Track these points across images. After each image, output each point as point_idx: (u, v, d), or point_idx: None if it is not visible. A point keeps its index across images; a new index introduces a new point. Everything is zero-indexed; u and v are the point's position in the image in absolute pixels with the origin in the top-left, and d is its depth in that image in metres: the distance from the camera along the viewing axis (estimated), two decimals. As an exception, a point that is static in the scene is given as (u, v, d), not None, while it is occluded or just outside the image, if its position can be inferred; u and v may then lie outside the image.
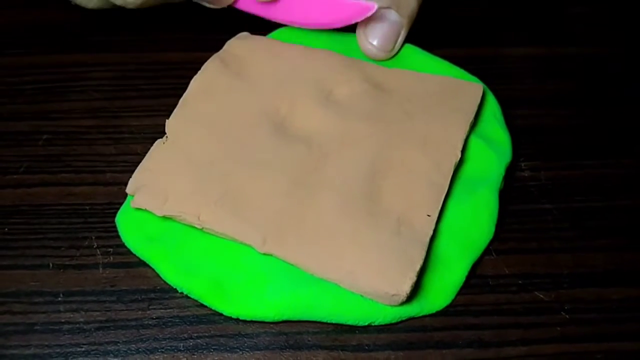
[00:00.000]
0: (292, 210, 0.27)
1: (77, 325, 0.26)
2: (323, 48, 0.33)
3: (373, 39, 0.33)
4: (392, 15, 0.32)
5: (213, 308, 0.26)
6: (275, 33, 0.35)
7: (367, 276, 0.25)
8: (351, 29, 0.33)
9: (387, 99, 0.31)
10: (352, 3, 0.31)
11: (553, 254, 0.28)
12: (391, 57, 0.33)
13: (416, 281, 0.26)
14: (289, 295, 0.26)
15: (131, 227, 0.28)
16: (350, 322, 0.26)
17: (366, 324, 0.26)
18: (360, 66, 0.32)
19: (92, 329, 0.26)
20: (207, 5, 0.33)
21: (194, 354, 0.25)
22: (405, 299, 0.25)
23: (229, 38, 0.34)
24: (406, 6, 0.32)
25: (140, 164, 0.29)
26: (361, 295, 0.26)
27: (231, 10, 0.34)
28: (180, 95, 0.31)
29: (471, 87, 0.31)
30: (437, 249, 0.27)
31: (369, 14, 0.31)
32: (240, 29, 0.34)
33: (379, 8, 0.31)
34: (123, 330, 0.26)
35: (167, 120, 0.30)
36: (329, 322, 0.26)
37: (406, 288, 0.25)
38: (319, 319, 0.26)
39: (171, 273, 0.27)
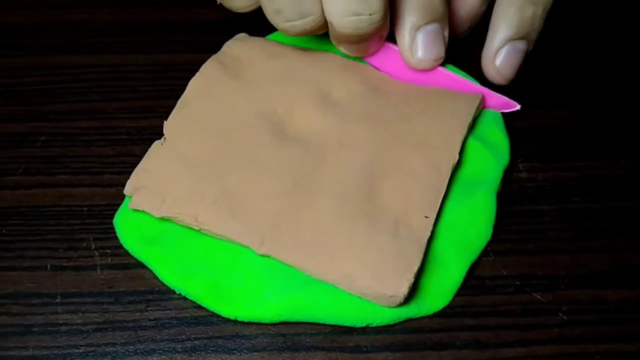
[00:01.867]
0: (290, 212, 0.27)
1: (75, 327, 0.26)
2: (322, 50, 0.33)
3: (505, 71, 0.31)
4: (521, 45, 0.31)
5: (211, 309, 0.26)
6: (273, 35, 0.35)
7: (365, 277, 0.25)
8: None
9: (385, 101, 0.31)
10: (495, 95, 0.32)
11: (550, 255, 0.28)
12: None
13: (414, 282, 0.26)
14: (287, 296, 0.26)
15: (129, 229, 0.28)
16: (348, 324, 0.26)
17: (364, 325, 0.26)
18: (359, 68, 0.32)
19: (90, 331, 0.26)
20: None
21: (191, 356, 0.25)
22: (402, 300, 0.25)
23: (227, 39, 0.34)
24: (532, 27, 0.31)
25: (138, 165, 0.29)
26: (359, 297, 0.26)
27: (229, 12, 0.34)
28: (179, 97, 0.31)
29: (470, 94, 0.31)
30: (434, 250, 0.27)
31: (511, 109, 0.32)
32: (239, 30, 0.34)
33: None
34: (121, 331, 0.26)
35: (165, 122, 0.30)
36: (326, 323, 0.26)
37: (404, 289, 0.25)
38: (316, 321, 0.26)
39: (169, 274, 0.27)
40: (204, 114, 0.30)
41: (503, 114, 0.32)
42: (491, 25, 0.31)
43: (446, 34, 0.31)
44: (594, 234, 0.29)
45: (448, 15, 0.31)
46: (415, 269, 0.26)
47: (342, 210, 0.27)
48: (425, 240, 0.27)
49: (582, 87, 0.35)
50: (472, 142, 0.31)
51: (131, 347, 0.25)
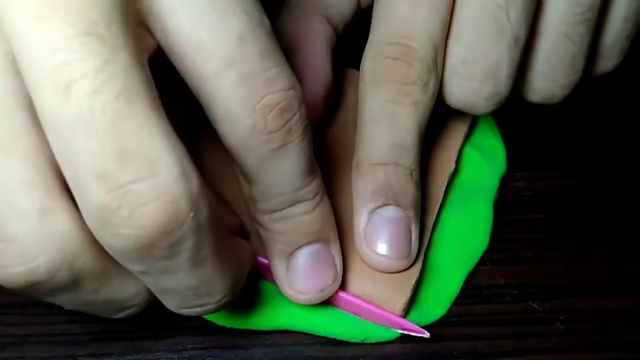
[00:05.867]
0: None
1: (72, 337, 0.26)
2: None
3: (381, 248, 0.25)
4: (394, 212, 0.25)
5: (206, 318, 0.26)
6: None
7: (361, 293, 0.25)
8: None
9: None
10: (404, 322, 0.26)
11: (548, 264, 0.28)
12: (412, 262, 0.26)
13: (412, 294, 0.26)
14: (283, 306, 0.26)
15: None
16: (344, 338, 0.26)
17: (361, 340, 0.26)
18: (354, 76, 0.32)
19: (87, 340, 0.26)
20: None
21: (188, 366, 0.25)
22: (399, 315, 0.25)
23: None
24: (404, 195, 0.25)
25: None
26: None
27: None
28: (176, 102, 0.31)
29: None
30: (432, 259, 0.27)
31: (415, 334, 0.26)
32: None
33: (375, 207, 0.25)
34: (117, 341, 0.26)
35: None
36: (322, 336, 0.26)
37: (400, 306, 0.25)
38: (312, 332, 0.26)
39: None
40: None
41: (498, 121, 0.32)
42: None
43: (335, 252, 0.25)
44: (592, 243, 0.29)
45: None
46: (414, 282, 0.26)
47: (338, 220, 0.27)
48: (423, 251, 0.27)
49: (579, 95, 0.35)
50: (468, 151, 0.31)
51: (128, 357, 0.25)
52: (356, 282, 0.25)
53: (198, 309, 0.22)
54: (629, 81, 0.36)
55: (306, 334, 0.26)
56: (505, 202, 0.30)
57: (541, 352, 0.26)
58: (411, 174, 0.26)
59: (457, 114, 0.31)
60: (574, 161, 0.32)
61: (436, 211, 0.28)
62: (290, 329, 0.26)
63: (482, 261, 0.28)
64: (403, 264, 0.25)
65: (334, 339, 0.26)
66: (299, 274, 0.24)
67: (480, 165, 0.30)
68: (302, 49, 0.28)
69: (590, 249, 0.29)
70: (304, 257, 0.24)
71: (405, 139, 0.25)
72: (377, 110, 0.25)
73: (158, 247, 0.18)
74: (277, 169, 0.21)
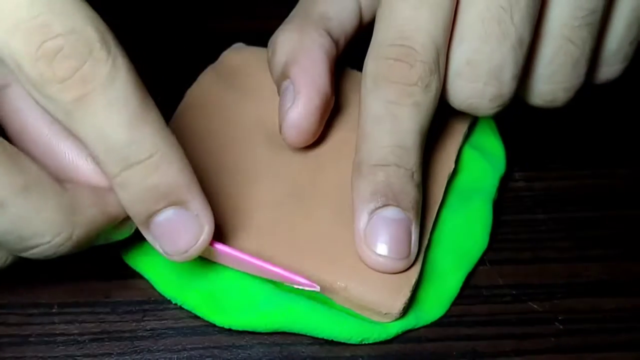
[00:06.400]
0: (287, 221, 0.27)
1: (72, 337, 0.26)
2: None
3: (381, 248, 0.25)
4: (394, 212, 0.25)
5: (205, 318, 0.26)
6: None
7: (360, 292, 0.25)
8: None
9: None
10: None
11: (547, 264, 0.28)
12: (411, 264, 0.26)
13: (411, 294, 0.26)
14: (281, 308, 0.26)
15: (126, 239, 0.28)
16: (342, 339, 0.26)
17: (359, 341, 0.26)
18: (356, 77, 0.32)
19: (87, 341, 0.26)
20: None
21: (188, 366, 0.25)
22: (397, 316, 0.25)
23: (224, 49, 0.34)
24: (405, 196, 0.25)
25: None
26: (354, 312, 0.26)
27: (226, 22, 0.34)
28: (175, 107, 0.31)
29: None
30: (431, 260, 0.28)
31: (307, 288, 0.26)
32: (236, 40, 0.34)
33: (375, 208, 0.25)
34: (117, 341, 0.26)
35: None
36: (320, 337, 0.26)
37: (398, 306, 0.25)
38: (310, 334, 0.26)
39: (165, 284, 0.27)
40: (201, 124, 0.30)
41: (498, 122, 0.32)
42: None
43: (199, 209, 0.23)
44: (591, 243, 0.29)
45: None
46: (413, 282, 0.26)
47: (340, 219, 0.27)
48: (422, 251, 0.27)
49: (579, 96, 0.35)
50: (468, 151, 0.31)
51: (127, 357, 0.25)
52: (355, 282, 0.25)
53: (34, 250, 0.21)
54: (628, 82, 0.35)
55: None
56: (505, 203, 0.30)
57: (540, 352, 0.26)
58: (412, 175, 0.26)
59: (457, 114, 0.31)
60: (573, 161, 0.32)
61: (435, 211, 0.28)
62: (288, 330, 0.26)
63: (482, 261, 0.28)
64: (402, 264, 0.25)
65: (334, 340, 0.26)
66: (160, 239, 0.23)
67: (479, 166, 0.30)
68: (300, 61, 0.28)
69: (589, 250, 0.29)
70: (160, 223, 0.23)
71: (407, 140, 0.25)
72: (378, 111, 0.26)
73: None
74: (87, 122, 0.21)
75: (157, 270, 0.27)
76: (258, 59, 0.33)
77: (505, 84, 0.25)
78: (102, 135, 0.21)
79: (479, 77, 0.25)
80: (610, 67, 0.28)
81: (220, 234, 0.26)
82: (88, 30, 0.20)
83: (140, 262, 0.27)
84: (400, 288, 0.25)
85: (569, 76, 0.26)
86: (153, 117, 0.22)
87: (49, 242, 0.21)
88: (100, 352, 0.26)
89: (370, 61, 0.26)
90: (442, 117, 0.31)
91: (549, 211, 0.30)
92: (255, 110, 0.31)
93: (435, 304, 0.27)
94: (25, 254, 0.22)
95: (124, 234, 0.24)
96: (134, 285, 0.27)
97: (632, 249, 0.29)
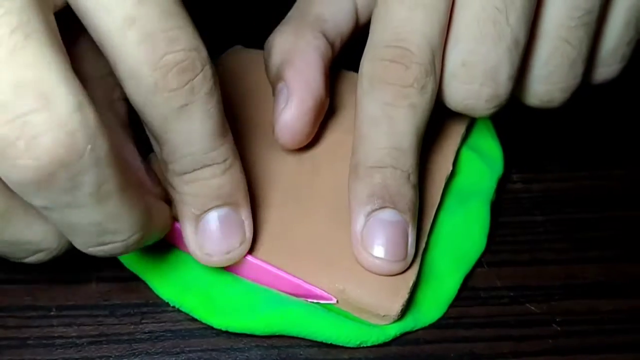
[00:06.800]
0: (284, 222, 0.27)
1: (70, 340, 0.26)
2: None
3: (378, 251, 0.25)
4: (391, 214, 0.25)
5: (203, 321, 0.26)
6: None
7: (357, 294, 0.25)
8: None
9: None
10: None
11: (545, 266, 0.29)
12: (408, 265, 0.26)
13: (409, 296, 0.26)
14: (279, 311, 0.26)
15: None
16: (340, 343, 0.26)
17: (357, 344, 0.26)
18: (352, 78, 0.32)
19: (85, 344, 0.26)
20: None
21: (186, 368, 0.25)
22: (395, 318, 0.25)
23: (223, 52, 0.34)
24: (402, 198, 0.26)
25: (134, 178, 0.29)
26: (352, 315, 0.26)
27: (224, 24, 0.34)
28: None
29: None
30: (429, 262, 0.28)
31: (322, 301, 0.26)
32: (234, 43, 0.34)
33: (372, 210, 0.25)
34: (115, 344, 0.26)
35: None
36: (319, 340, 0.26)
37: (396, 308, 0.25)
38: (308, 337, 0.26)
39: (163, 287, 0.27)
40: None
41: (496, 123, 0.32)
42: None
43: (245, 217, 0.25)
44: (588, 245, 0.29)
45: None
46: (411, 284, 0.26)
47: (336, 221, 0.27)
48: (420, 253, 0.27)
49: (576, 97, 0.35)
50: (465, 152, 0.31)
51: (126, 359, 0.25)
52: (353, 285, 0.25)
53: (105, 247, 0.22)
54: (626, 84, 0.36)
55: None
56: (503, 204, 0.30)
57: (538, 354, 0.26)
58: (409, 177, 0.26)
59: (454, 115, 0.31)
60: (571, 163, 0.32)
61: (433, 213, 0.28)
62: (286, 333, 0.26)
63: (479, 263, 0.28)
64: (399, 266, 0.25)
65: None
66: (206, 236, 0.25)
67: (477, 167, 0.30)
68: (294, 62, 0.28)
69: (587, 251, 0.29)
70: (212, 219, 0.25)
71: (403, 142, 0.25)
72: (374, 112, 0.26)
73: (57, 179, 0.19)
74: (182, 128, 0.22)
75: (155, 273, 0.27)
76: (256, 61, 0.33)
77: (502, 85, 0.25)
78: (190, 139, 0.23)
79: (474, 78, 0.25)
80: (607, 68, 0.28)
81: None
82: (203, 51, 0.22)
83: (139, 265, 0.27)
84: (398, 290, 0.25)
85: (566, 76, 0.26)
86: (229, 131, 0.24)
87: (124, 240, 0.22)
88: (99, 354, 0.26)
89: (366, 62, 0.26)
90: (440, 118, 0.31)
91: (546, 213, 0.30)
92: (254, 113, 0.31)
93: (433, 306, 0.27)
94: (92, 249, 0.23)
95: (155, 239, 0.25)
96: (132, 288, 0.27)
97: (630, 250, 0.29)
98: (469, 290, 0.28)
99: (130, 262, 0.27)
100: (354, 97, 0.31)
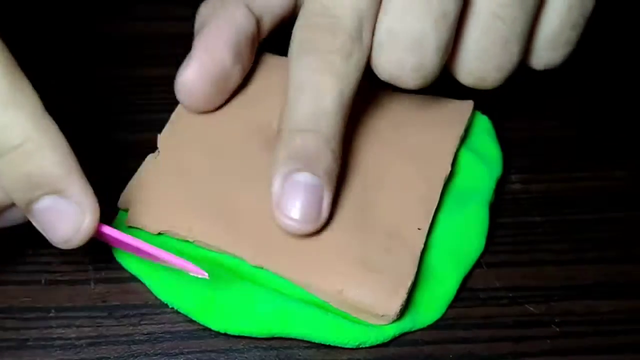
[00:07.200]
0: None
1: (69, 341, 0.26)
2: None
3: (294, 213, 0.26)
4: (306, 177, 0.26)
5: (201, 323, 0.26)
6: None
7: (356, 294, 0.25)
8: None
9: (377, 112, 0.31)
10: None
11: (544, 267, 0.29)
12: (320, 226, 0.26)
13: (407, 297, 0.26)
14: (278, 313, 0.26)
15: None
16: (339, 344, 0.26)
17: (356, 345, 0.26)
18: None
19: (84, 345, 0.26)
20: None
21: (184, 370, 0.25)
22: (394, 318, 0.25)
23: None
24: (319, 162, 0.26)
25: (132, 179, 0.29)
26: (350, 316, 0.26)
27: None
28: (172, 110, 0.31)
29: (462, 103, 0.31)
30: (428, 263, 0.28)
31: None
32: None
33: (289, 172, 0.26)
34: (114, 345, 0.26)
35: (158, 135, 0.30)
36: (317, 342, 0.26)
37: (395, 308, 0.25)
38: (307, 338, 0.26)
39: (161, 288, 0.27)
40: (198, 127, 0.30)
41: (495, 124, 0.32)
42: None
43: (76, 198, 0.23)
44: (587, 246, 0.29)
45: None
46: (409, 284, 0.26)
47: (335, 222, 0.27)
48: (419, 254, 0.27)
49: (576, 98, 0.35)
50: (464, 153, 0.31)
51: (124, 361, 0.26)
52: (351, 285, 0.25)
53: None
54: (626, 84, 0.36)
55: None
56: (501, 205, 0.30)
57: (537, 354, 0.26)
58: (329, 142, 0.26)
59: (453, 116, 0.31)
60: (570, 163, 0.32)
61: (432, 214, 0.28)
62: (285, 335, 0.26)
63: (478, 264, 0.28)
64: (311, 228, 0.26)
65: (330, 343, 0.26)
66: (42, 226, 0.24)
67: (476, 168, 0.30)
68: (206, 28, 0.29)
69: (586, 252, 0.29)
70: (38, 210, 0.23)
71: (326, 108, 0.26)
72: (301, 79, 0.26)
73: None
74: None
75: (153, 274, 0.27)
76: (256, 61, 0.33)
77: (427, 55, 0.25)
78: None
79: (398, 46, 0.25)
80: (551, 52, 0.28)
81: (215, 234, 0.27)
82: None
83: (137, 266, 0.27)
84: (396, 289, 0.25)
85: (499, 55, 0.26)
86: (25, 102, 0.22)
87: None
88: (98, 356, 0.26)
89: (297, 30, 0.27)
90: (439, 119, 0.31)
91: (545, 214, 0.30)
92: (253, 113, 0.31)
93: (432, 306, 0.27)
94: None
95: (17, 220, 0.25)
96: (131, 289, 0.27)
97: (629, 251, 0.29)
98: (468, 291, 0.28)
99: (129, 264, 0.27)
100: (355, 99, 0.31)
